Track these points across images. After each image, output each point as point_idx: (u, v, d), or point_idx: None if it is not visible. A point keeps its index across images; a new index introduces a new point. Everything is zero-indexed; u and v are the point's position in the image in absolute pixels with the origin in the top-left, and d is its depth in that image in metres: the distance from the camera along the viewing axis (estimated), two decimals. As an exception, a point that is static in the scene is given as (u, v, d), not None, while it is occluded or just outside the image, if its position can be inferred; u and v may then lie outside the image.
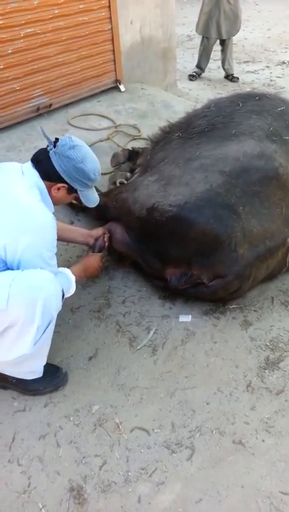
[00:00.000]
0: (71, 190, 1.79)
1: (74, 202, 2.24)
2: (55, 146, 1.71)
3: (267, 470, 1.60)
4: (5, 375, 1.79)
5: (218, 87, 5.75)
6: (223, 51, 5.82)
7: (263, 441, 1.68)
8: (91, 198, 1.86)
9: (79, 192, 1.81)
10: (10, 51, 3.34)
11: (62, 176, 1.72)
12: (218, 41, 5.75)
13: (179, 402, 1.82)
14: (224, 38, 5.61)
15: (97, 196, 1.89)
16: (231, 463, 1.62)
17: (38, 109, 3.67)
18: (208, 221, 1.95)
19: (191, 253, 2.03)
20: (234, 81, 5.93)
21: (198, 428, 1.73)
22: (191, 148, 2.38)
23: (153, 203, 2.12)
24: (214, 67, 6.28)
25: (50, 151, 1.71)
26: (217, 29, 5.53)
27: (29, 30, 3.41)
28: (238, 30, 5.73)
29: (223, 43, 5.73)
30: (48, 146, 1.73)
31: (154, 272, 2.25)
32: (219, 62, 6.00)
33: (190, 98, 4.85)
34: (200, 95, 5.12)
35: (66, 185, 1.76)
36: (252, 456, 1.64)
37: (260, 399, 1.82)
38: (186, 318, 2.17)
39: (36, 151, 1.80)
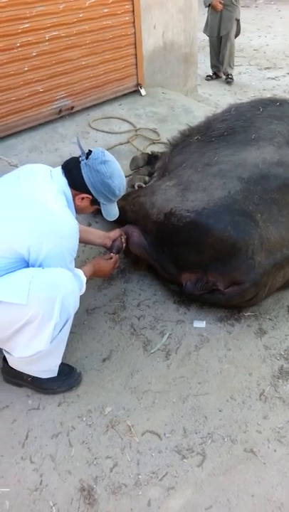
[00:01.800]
0: (94, 202, 1.85)
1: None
2: (87, 158, 1.77)
3: (278, 480, 1.59)
4: (21, 372, 1.82)
5: (238, 92, 5.75)
6: (221, 49, 6.09)
7: (275, 450, 1.67)
8: (112, 212, 1.92)
9: (101, 205, 1.87)
10: (34, 54, 3.41)
11: (89, 187, 1.77)
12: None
13: (192, 407, 1.82)
14: (222, 34, 5.93)
15: (118, 211, 1.95)
16: (242, 471, 1.62)
17: (60, 111, 3.73)
18: (226, 228, 1.95)
19: (207, 259, 2.03)
20: (228, 81, 6.14)
21: (210, 435, 1.73)
22: (209, 152, 2.38)
23: (170, 207, 2.13)
24: (235, 73, 6.27)
25: (82, 162, 1.77)
26: (217, 28, 5.93)
27: (54, 33, 3.47)
28: (237, 31, 6.08)
29: (220, 40, 6.03)
30: (80, 156, 1.79)
31: (170, 276, 2.26)
32: (239, 68, 6.01)
33: (210, 103, 4.85)
34: (220, 101, 5.12)
35: (90, 197, 1.82)
36: (263, 465, 1.63)
37: (273, 408, 1.81)
38: (200, 324, 2.18)
39: (68, 159, 1.86)
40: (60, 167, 1.83)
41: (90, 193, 1.80)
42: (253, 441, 1.70)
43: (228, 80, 6.12)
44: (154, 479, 1.61)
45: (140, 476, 1.62)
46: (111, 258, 2.21)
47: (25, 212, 1.64)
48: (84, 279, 1.87)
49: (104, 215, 1.93)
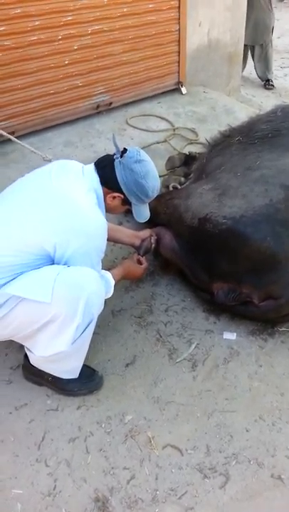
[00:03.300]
0: (126, 201, 1.79)
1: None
2: (122, 156, 1.71)
3: (306, 513, 1.48)
4: (41, 371, 1.78)
5: (283, 95, 5.57)
6: (255, 55, 5.79)
7: (305, 480, 1.56)
8: (143, 214, 1.86)
9: (133, 205, 1.81)
10: (76, 47, 3.38)
11: (122, 186, 1.72)
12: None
13: (217, 424, 1.73)
14: (248, 43, 5.56)
15: (149, 213, 1.89)
16: (268, 498, 1.51)
17: (98, 106, 3.69)
18: (265, 238, 1.84)
19: (242, 270, 1.92)
20: (268, 88, 5.84)
21: (235, 455, 1.63)
22: (251, 155, 2.27)
23: (206, 213, 2.03)
24: (280, 75, 6.09)
25: (116, 160, 1.72)
26: (245, 35, 5.43)
27: (96, 27, 3.43)
28: (269, 40, 5.69)
29: (253, 48, 5.72)
30: (114, 154, 1.73)
31: (201, 283, 2.17)
32: (285, 70, 5.82)
33: (253, 105, 4.71)
34: (264, 102, 4.97)
35: (122, 196, 1.76)
36: (291, 494, 1.52)
37: (305, 433, 1.70)
38: (230, 336, 2.07)
39: (102, 156, 1.81)
40: (93, 164, 1.77)
41: (122, 193, 1.75)
42: (281, 466, 1.60)
43: (268, 87, 5.85)
44: (172, 497, 1.53)
45: (158, 492, 1.54)
46: (139, 260, 2.14)
47: (54, 208, 1.60)
48: (112, 282, 1.81)
49: (134, 216, 1.87)
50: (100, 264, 1.72)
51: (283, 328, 2.11)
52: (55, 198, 1.62)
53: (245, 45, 5.50)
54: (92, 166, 1.76)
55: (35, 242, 1.57)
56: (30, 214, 1.60)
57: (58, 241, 1.56)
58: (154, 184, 1.76)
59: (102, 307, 1.70)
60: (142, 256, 2.18)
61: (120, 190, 1.74)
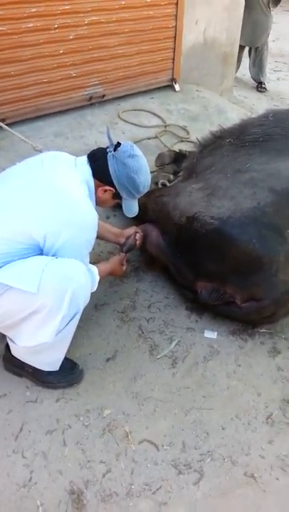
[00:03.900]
0: (116, 196, 1.80)
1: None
2: (115, 150, 1.71)
3: (278, 511, 1.51)
4: (22, 362, 1.77)
5: (275, 98, 5.60)
6: (250, 58, 5.83)
7: (277, 479, 1.59)
8: (132, 209, 1.87)
9: (123, 200, 1.82)
10: (71, 37, 3.33)
11: (114, 180, 1.73)
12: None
13: (194, 421, 1.76)
14: (246, 46, 5.61)
15: (137, 208, 1.90)
16: (240, 496, 1.54)
17: (90, 98, 3.65)
18: (251, 240, 1.86)
19: (227, 270, 1.95)
20: (260, 90, 5.86)
21: (210, 453, 1.66)
22: (242, 158, 2.29)
23: (194, 212, 2.05)
24: (273, 79, 6.12)
25: (109, 154, 1.72)
26: (243, 37, 5.38)
27: (93, 18, 3.39)
28: (265, 43, 5.71)
29: (250, 50, 5.74)
30: (107, 147, 1.73)
31: (185, 281, 2.18)
32: (278, 74, 5.86)
33: (245, 106, 4.74)
34: (255, 105, 5.00)
35: (113, 190, 1.77)
36: (263, 492, 1.55)
37: (280, 433, 1.73)
38: (211, 335, 2.10)
39: (95, 148, 1.82)
40: (86, 156, 1.77)
41: (114, 186, 1.75)
42: (254, 465, 1.63)
43: (261, 90, 5.87)
44: (146, 491, 1.54)
45: (133, 487, 1.55)
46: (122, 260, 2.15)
47: (46, 198, 1.59)
48: (97, 278, 1.81)
49: (124, 210, 1.88)
50: (88, 257, 1.72)
51: (263, 330, 2.15)
52: (47, 188, 1.61)
53: (241, 46, 5.49)
54: (84, 158, 1.76)
55: (25, 231, 1.55)
56: (20, 203, 1.59)
57: (49, 231, 1.55)
58: (145, 180, 1.77)
59: (88, 300, 1.70)
60: (126, 253, 2.18)
61: (112, 184, 1.74)
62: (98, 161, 1.73)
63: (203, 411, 1.80)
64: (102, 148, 1.77)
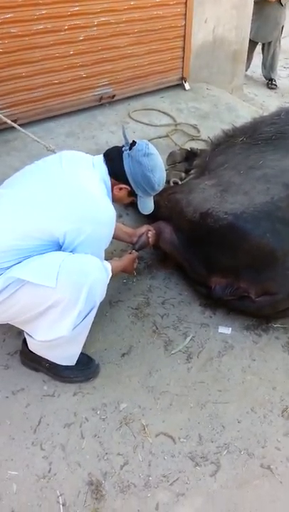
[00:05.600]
0: (132, 193, 1.83)
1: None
2: (130, 149, 1.74)
3: (294, 502, 1.53)
4: (39, 357, 1.81)
5: (285, 95, 5.57)
6: (263, 54, 5.80)
7: (293, 471, 1.61)
8: (148, 206, 1.90)
9: (138, 197, 1.85)
10: (81, 38, 3.37)
11: (129, 178, 1.76)
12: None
13: (209, 415, 1.77)
14: (258, 41, 5.59)
15: (153, 205, 1.92)
16: (257, 487, 1.56)
17: (101, 98, 3.68)
18: (265, 235, 1.87)
19: (241, 265, 1.96)
20: (271, 87, 5.84)
21: (227, 445, 1.67)
22: (254, 155, 2.30)
23: (208, 208, 2.06)
24: (284, 76, 6.09)
25: (125, 152, 1.75)
26: (255, 32, 5.40)
27: (103, 19, 3.42)
28: (277, 38, 5.66)
29: (263, 46, 5.71)
30: (123, 146, 1.76)
31: (199, 277, 2.20)
32: (288, 71, 5.82)
33: (255, 104, 4.73)
34: (266, 102, 4.99)
35: (129, 188, 1.80)
36: (279, 484, 1.57)
37: (295, 427, 1.74)
38: (225, 330, 2.11)
39: (111, 147, 1.85)
40: (102, 155, 1.80)
41: (129, 184, 1.77)
42: (271, 457, 1.64)
43: (271, 87, 5.85)
44: (164, 483, 1.57)
45: (150, 478, 1.58)
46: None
47: (67, 196, 1.62)
48: (110, 274, 1.83)
49: (139, 207, 1.90)
50: (103, 253, 1.75)
51: (277, 325, 2.16)
52: (68, 187, 1.65)
53: (252, 43, 5.46)
54: (101, 157, 1.79)
55: (46, 228, 1.59)
56: (41, 200, 1.62)
57: (69, 228, 1.58)
58: (160, 178, 1.79)
59: (104, 295, 1.72)
60: (138, 251, 2.21)
61: (127, 182, 1.77)
62: (114, 159, 1.76)
63: (218, 405, 1.81)
64: (118, 147, 1.80)
